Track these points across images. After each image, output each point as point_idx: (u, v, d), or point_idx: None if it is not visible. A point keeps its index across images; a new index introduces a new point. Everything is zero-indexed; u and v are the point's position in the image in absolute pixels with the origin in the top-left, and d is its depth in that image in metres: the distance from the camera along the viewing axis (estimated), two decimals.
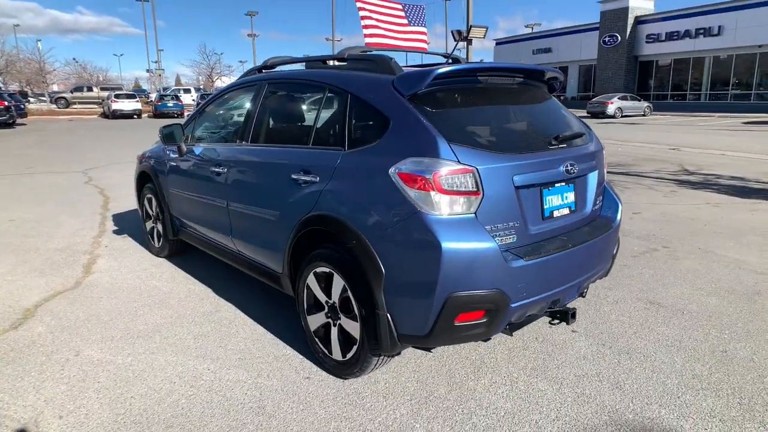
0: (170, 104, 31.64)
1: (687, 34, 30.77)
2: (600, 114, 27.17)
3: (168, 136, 3.82)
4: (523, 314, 2.37)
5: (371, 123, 2.47)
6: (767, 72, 28.53)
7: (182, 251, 4.70)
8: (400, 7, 23.99)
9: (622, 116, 27.67)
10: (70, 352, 2.97)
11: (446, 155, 2.15)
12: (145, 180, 4.73)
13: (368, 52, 2.79)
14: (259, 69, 3.56)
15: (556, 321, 2.71)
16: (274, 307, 3.57)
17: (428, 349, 2.91)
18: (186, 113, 33.01)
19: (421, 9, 25.36)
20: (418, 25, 25.42)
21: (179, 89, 45.14)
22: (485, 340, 2.85)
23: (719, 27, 29.02)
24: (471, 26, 15.02)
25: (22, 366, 2.81)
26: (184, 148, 3.87)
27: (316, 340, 2.76)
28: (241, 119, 3.46)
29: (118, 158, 12.06)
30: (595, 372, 2.72)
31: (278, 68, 3.53)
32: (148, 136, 18.68)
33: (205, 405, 2.44)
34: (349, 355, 2.54)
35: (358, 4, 21.92)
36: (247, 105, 3.37)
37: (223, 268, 4.33)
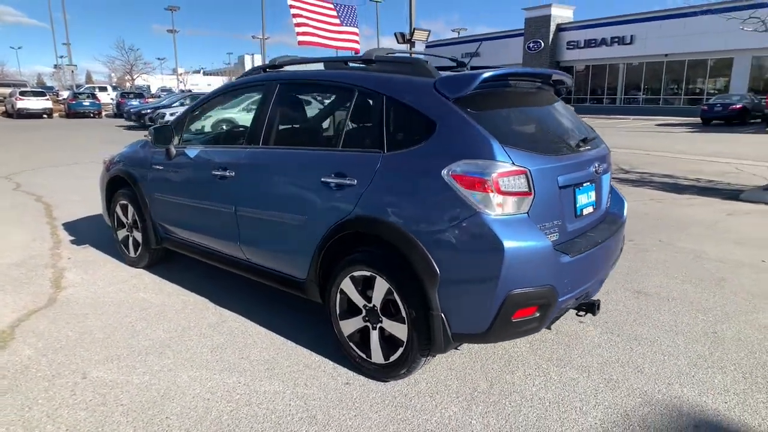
0: (86, 103, 29.40)
1: (603, 42, 33.14)
2: None
3: (160, 138, 3.59)
4: (565, 308, 2.49)
5: (413, 125, 2.47)
6: (673, 79, 31.41)
7: (161, 260, 4.43)
8: (332, 6, 24.09)
9: None
10: (75, 375, 2.71)
11: (502, 157, 2.21)
12: (117, 186, 4.41)
13: (393, 54, 2.79)
14: (264, 68, 3.43)
15: (582, 312, 2.85)
16: (284, 313, 3.47)
17: (457, 347, 2.96)
18: (104, 113, 30.86)
19: (353, 9, 25.52)
20: (350, 26, 25.55)
21: (95, 87, 42.13)
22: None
23: (631, 36, 31.54)
24: (415, 29, 15.29)
25: (24, 394, 2.54)
26: (174, 150, 3.66)
27: (352, 345, 2.72)
28: (247, 120, 3.32)
29: (44, 161, 11.08)
30: (615, 358, 2.89)
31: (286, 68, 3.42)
32: (68, 135, 17.33)
33: (251, 419, 2.33)
34: (393, 358, 2.53)
35: (290, 2, 21.73)
36: (255, 106, 3.24)
37: (212, 275, 4.13)
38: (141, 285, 4.02)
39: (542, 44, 36.18)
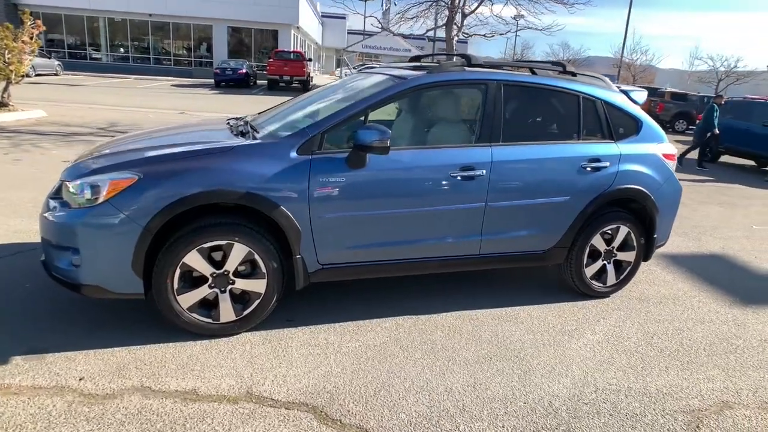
0: None
1: None
2: None
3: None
4: None
5: (628, 122, 3.74)
6: (158, 39, 32.32)
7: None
8: None
9: (36, 75, 24.61)
10: None
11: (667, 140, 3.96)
12: (177, 222, 2.69)
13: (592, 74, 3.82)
14: (465, 64, 3.36)
15: None
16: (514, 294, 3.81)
17: None
18: None
19: None
20: None
21: None
22: None
23: None
24: None
25: None
26: (368, 156, 2.97)
27: (592, 280, 3.79)
28: (453, 118, 3.36)
29: None
30: None
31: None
32: None
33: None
34: (621, 276, 3.88)
35: None
36: (476, 105, 3.32)
37: (368, 297, 3.50)
38: (326, 345, 2.92)
39: None
